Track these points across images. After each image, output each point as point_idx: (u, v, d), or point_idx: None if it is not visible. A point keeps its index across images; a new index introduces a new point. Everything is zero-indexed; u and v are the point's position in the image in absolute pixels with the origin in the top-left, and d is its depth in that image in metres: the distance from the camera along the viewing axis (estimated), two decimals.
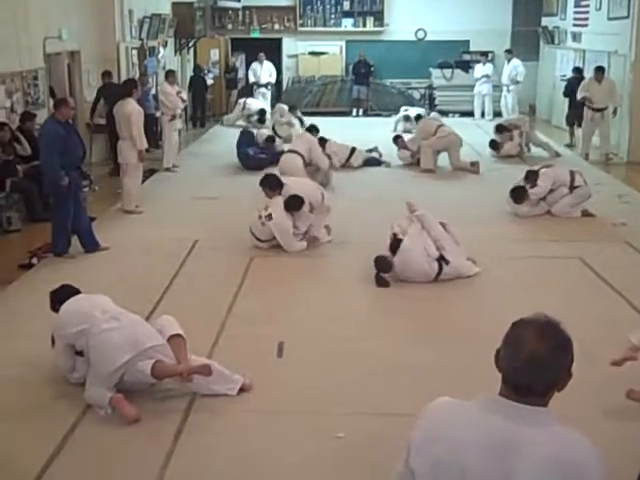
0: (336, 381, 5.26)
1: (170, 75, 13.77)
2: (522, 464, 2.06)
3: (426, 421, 2.24)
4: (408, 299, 6.98)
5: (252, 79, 20.00)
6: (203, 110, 18.98)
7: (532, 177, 9.99)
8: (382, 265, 7.25)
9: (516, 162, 13.30)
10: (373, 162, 13.56)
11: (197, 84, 18.68)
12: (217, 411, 4.88)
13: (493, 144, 14.37)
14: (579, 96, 14.05)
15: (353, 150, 13.31)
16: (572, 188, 9.83)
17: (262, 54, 19.73)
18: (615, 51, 14.80)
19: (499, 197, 10.26)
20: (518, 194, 9.86)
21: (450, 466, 2.12)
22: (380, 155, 13.82)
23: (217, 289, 7.15)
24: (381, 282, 7.27)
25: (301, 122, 16.86)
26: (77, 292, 5.48)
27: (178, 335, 5.07)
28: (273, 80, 20.11)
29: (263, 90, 19.86)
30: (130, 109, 9.84)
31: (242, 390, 5.14)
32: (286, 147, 11.78)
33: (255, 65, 19.91)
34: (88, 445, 4.52)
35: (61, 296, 5.41)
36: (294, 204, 8.38)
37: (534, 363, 2.10)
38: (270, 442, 4.52)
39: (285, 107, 17.11)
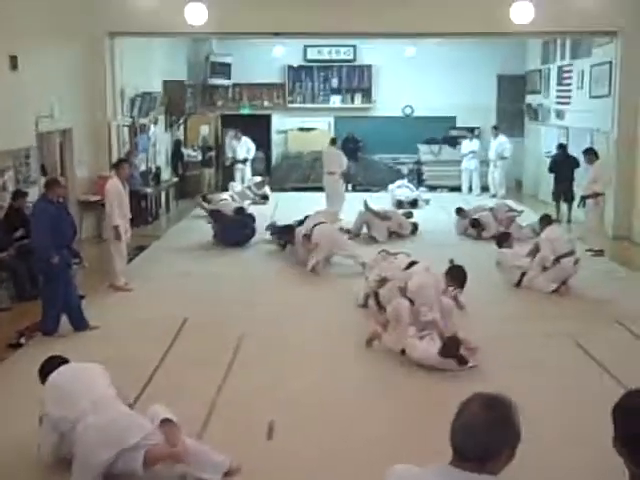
0: (327, 464, 5.19)
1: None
2: None
3: None
4: (400, 378, 6.96)
5: (229, 154, 20.26)
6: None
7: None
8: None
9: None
10: None
11: (175, 160, 19.12)
12: None
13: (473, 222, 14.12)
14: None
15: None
16: (559, 258, 9.92)
17: (237, 130, 19.96)
18: (597, 129, 15.11)
19: (487, 272, 10.36)
20: (501, 237, 11.37)
21: None
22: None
23: (207, 368, 7.08)
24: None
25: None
26: (64, 362, 5.46)
27: (168, 419, 5.01)
28: (250, 156, 20.22)
29: (241, 166, 20.04)
30: (108, 186, 10.17)
31: (229, 474, 5.03)
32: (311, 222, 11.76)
33: (234, 142, 20.10)
34: None
35: (48, 369, 5.38)
36: None
37: (467, 429, 2.27)
38: None
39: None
